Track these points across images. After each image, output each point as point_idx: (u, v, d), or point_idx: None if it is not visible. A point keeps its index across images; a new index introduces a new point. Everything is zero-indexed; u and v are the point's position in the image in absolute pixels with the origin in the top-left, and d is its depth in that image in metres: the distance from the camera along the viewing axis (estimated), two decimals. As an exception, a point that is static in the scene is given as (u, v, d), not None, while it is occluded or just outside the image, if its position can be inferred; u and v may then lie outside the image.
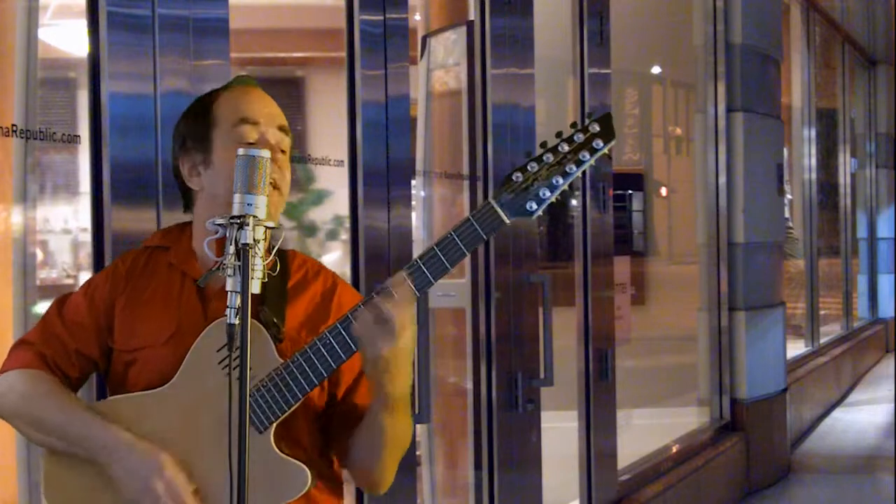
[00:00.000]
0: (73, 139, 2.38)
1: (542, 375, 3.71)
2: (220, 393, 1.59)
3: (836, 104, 10.59)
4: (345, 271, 3.05)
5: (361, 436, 1.77)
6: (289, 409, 1.67)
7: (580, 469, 4.32)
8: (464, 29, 3.76)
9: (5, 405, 1.76)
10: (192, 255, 1.80)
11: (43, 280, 3.33)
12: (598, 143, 1.64)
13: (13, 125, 2.26)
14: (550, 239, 5.27)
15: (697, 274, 6.00)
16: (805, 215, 9.01)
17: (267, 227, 1.56)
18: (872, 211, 11.83)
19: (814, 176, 9.17)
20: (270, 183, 1.63)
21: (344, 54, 3.05)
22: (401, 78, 3.14)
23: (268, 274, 1.71)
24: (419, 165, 3.80)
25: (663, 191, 6.75)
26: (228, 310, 1.51)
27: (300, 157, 3.13)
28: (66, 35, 2.75)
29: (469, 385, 3.67)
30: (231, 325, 1.50)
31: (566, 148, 1.64)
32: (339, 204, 3.30)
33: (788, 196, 8.55)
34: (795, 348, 8.25)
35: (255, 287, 1.52)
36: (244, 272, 1.51)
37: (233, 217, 1.53)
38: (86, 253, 2.69)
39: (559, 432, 4.42)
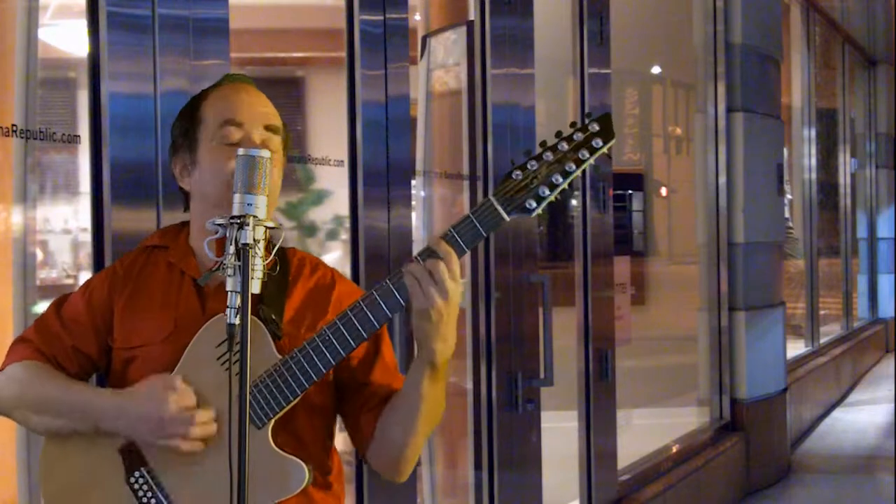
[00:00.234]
0: (73, 139, 2.38)
1: (542, 375, 3.71)
2: (218, 388, 1.59)
3: (836, 104, 10.59)
4: (345, 271, 3.04)
5: (396, 409, 1.76)
6: (287, 405, 1.67)
7: (580, 469, 4.32)
8: (464, 29, 3.76)
9: (6, 396, 1.77)
10: (190, 253, 1.81)
11: (43, 280, 3.32)
12: (598, 142, 1.64)
13: (13, 125, 2.26)
14: (550, 239, 5.27)
15: (697, 274, 6.00)
16: (805, 215, 9.01)
17: (267, 227, 1.57)
18: (872, 211, 11.83)
19: (814, 176, 9.17)
20: None
21: (344, 54, 3.05)
22: (401, 78, 3.14)
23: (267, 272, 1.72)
24: (419, 165, 3.80)
25: (663, 191, 6.75)
26: (228, 309, 1.51)
27: (300, 157, 3.13)
28: (66, 35, 2.75)
29: (469, 385, 3.67)
30: (231, 325, 1.50)
31: (566, 147, 1.65)
32: (339, 204, 3.30)
33: (788, 196, 8.55)
34: (795, 348, 8.25)
35: (255, 287, 1.53)
36: (244, 272, 1.51)
37: (233, 217, 1.54)
38: (86, 253, 2.69)
39: (559, 432, 4.42)
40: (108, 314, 1.79)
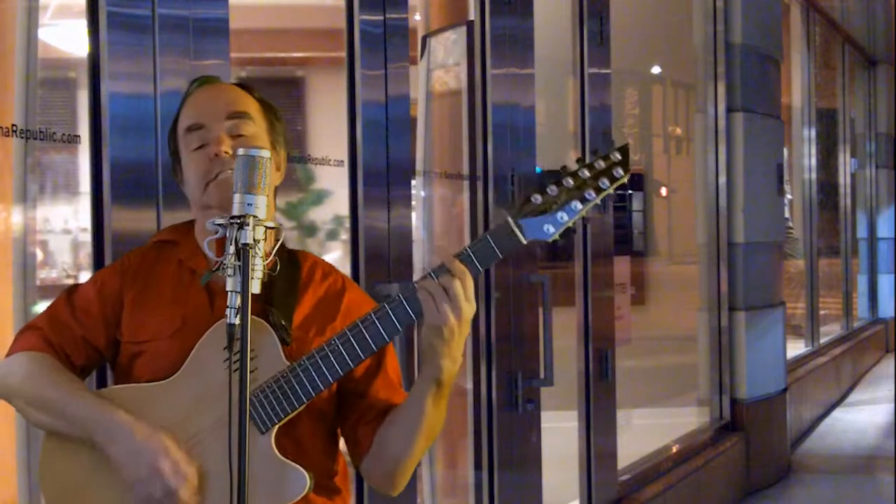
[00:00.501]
0: (73, 139, 2.38)
1: (542, 375, 3.71)
2: (223, 390, 1.59)
3: (836, 104, 10.59)
4: (345, 271, 3.03)
5: (396, 423, 1.76)
6: (292, 412, 1.67)
7: (580, 469, 4.32)
8: (464, 29, 3.75)
9: (9, 385, 1.77)
10: (199, 251, 1.82)
11: (43, 280, 3.32)
12: (619, 171, 1.65)
13: (13, 125, 2.26)
14: (550, 239, 5.26)
15: (697, 274, 6.00)
16: (805, 215, 9.01)
17: (267, 227, 1.57)
18: (872, 211, 11.83)
19: (814, 176, 9.17)
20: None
21: (344, 54, 3.05)
22: (401, 78, 3.14)
23: (279, 274, 1.72)
24: (419, 165, 3.80)
25: (663, 191, 6.75)
26: (229, 310, 1.51)
27: (300, 157, 3.13)
28: (66, 35, 2.75)
29: (469, 385, 3.67)
30: (231, 325, 1.51)
31: (587, 174, 1.65)
32: (339, 204, 3.30)
33: (788, 196, 8.55)
34: (795, 348, 8.25)
35: (255, 287, 1.53)
36: (244, 272, 1.52)
37: (233, 217, 1.54)
38: (86, 253, 2.69)
39: (559, 432, 4.42)
40: (118, 307, 1.79)
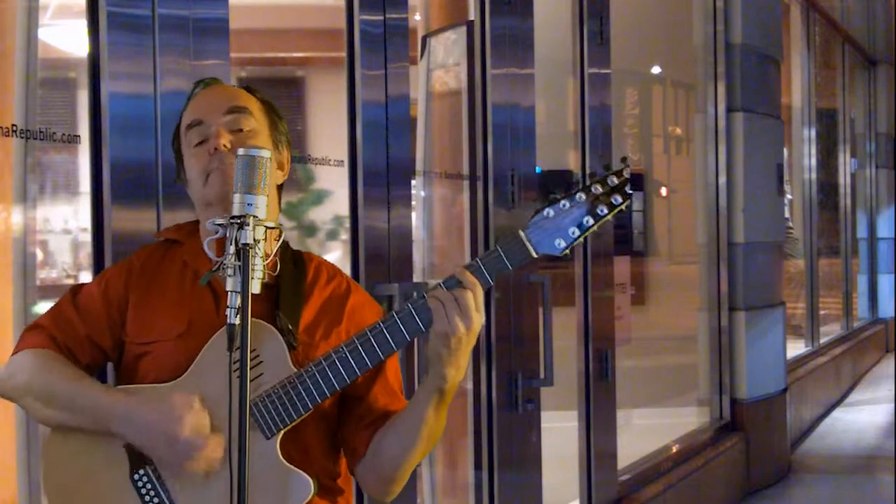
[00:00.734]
0: (73, 139, 2.38)
1: (541, 375, 3.71)
2: (227, 395, 1.59)
3: (836, 104, 10.59)
4: (345, 271, 3.04)
5: (394, 429, 1.76)
6: (298, 418, 1.67)
7: (580, 469, 4.32)
8: (464, 29, 3.75)
9: (16, 383, 1.76)
10: (203, 252, 1.81)
11: (43, 280, 3.32)
12: (629, 189, 1.67)
13: (13, 125, 2.26)
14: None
15: (697, 274, 6.00)
16: (805, 215, 9.01)
17: (267, 227, 1.57)
18: (872, 211, 11.83)
19: (814, 176, 9.17)
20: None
21: (344, 54, 3.05)
22: (401, 78, 3.14)
23: (285, 276, 1.73)
24: (419, 165, 3.80)
25: (663, 191, 6.74)
26: (229, 310, 1.51)
27: (300, 157, 3.13)
28: (66, 35, 2.75)
29: (469, 385, 3.67)
30: (231, 326, 1.50)
31: (599, 189, 1.66)
32: (339, 204, 3.30)
33: (788, 196, 8.54)
34: (795, 348, 8.25)
35: (255, 287, 1.53)
36: (244, 272, 1.51)
37: (233, 217, 1.54)
38: (86, 253, 2.69)
39: (559, 432, 4.42)
40: (124, 307, 1.79)
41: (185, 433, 1.62)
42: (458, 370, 1.68)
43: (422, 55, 3.99)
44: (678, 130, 7.01)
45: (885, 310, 11.73)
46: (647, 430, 5.53)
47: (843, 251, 10.74)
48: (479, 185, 3.66)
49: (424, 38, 4.02)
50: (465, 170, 3.75)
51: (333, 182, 3.35)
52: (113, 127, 2.30)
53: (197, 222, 1.88)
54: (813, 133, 9.22)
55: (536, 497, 3.83)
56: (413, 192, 3.36)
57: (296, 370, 1.67)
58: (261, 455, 1.62)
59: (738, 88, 5.91)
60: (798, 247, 8.85)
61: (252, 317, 1.52)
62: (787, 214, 8.26)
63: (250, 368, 1.51)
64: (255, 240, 1.53)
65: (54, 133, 2.33)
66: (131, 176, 2.32)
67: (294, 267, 1.80)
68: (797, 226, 8.98)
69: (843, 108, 10.68)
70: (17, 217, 2.43)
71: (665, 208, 6.85)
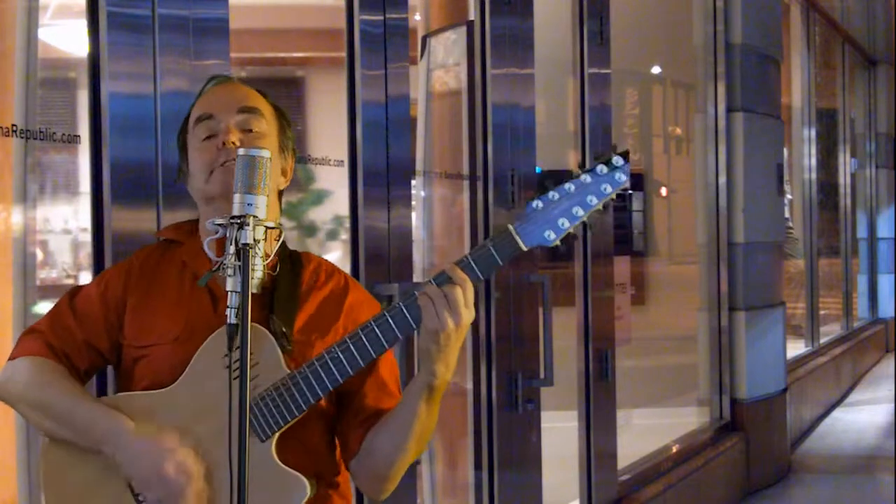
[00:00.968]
0: (73, 139, 2.38)
1: (541, 375, 3.71)
2: (223, 399, 1.58)
3: (836, 104, 10.59)
4: (345, 271, 3.04)
5: (387, 426, 1.76)
6: (292, 419, 1.67)
7: (580, 469, 4.32)
8: (464, 29, 3.75)
9: (11, 390, 1.76)
10: (202, 252, 1.81)
11: (43, 280, 3.32)
12: (620, 176, 1.65)
13: (13, 125, 2.26)
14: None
15: (697, 274, 6.00)
16: (805, 215, 9.01)
17: (267, 227, 1.57)
18: (872, 211, 11.83)
19: (814, 176, 9.17)
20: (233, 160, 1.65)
21: (344, 54, 3.04)
22: (401, 78, 3.14)
23: (281, 278, 1.73)
24: (419, 165, 3.80)
25: (663, 191, 6.74)
26: (229, 310, 1.51)
27: (300, 157, 3.13)
28: (66, 35, 2.75)
29: (469, 385, 3.67)
30: (231, 326, 1.50)
31: (588, 179, 1.64)
32: (339, 204, 3.30)
33: (788, 196, 8.54)
34: (795, 348, 8.25)
35: (255, 287, 1.52)
36: (244, 272, 1.51)
37: (233, 217, 1.54)
38: (86, 253, 2.69)
39: (559, 432, 4.42)
40: (121, 310, 1.78)
41: (171, 473, 1.62)
42: (448, 366, 1.67)
43: (422, 55, 3.99)
44: (678, 130, 7.01)
45: (885, 310, 11.73)
46: (647, 430, 5.53)
47: (843, 251, 10.74)
48: (479, 185, 3.66)
49: (424, 38, 4.02)
50: (465, 170, 3.75)
51: (333, 182, 3.35)
52: (113, 127, 2.30)
53: (196, 221, 1.87)
54: (813, 133, 9.21)
55: (536, 497, 3.83)
56: (413, 192, 3.36)
57: (289, 372, 1.67)
58: (256, 458, 1.62)
59: (738, 88, 5.91)
60: (798, 247, 8.84)
61: None
62: (787, 214, 8.26)
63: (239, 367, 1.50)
64: (255, 240, 1.53)
65: (54, 133, 2.33)
66: (131, 176, 2.32)
67: (291, 268, 1.80)
68: (797, 226, 8.98)
69: (843, 108, 10.68)
70: (17, 217, 2.43)
71: (665, 208, 6.85)
